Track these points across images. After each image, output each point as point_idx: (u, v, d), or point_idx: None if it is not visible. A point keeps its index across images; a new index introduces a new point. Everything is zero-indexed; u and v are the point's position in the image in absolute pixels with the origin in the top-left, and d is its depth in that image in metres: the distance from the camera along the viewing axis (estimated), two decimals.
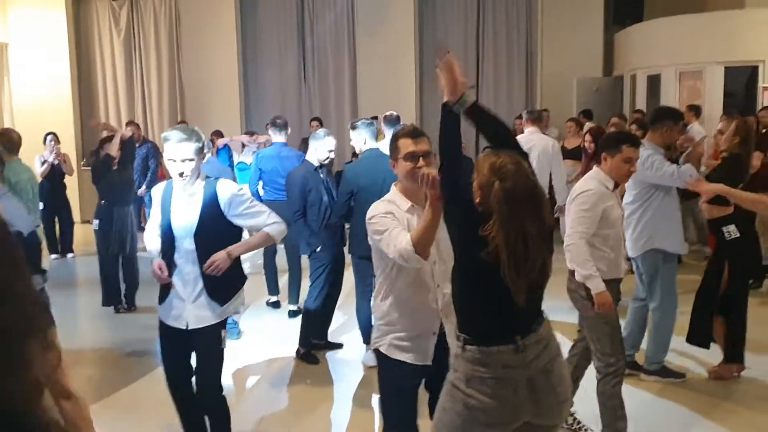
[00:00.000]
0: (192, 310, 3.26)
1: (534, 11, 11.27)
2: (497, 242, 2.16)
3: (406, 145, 2.80)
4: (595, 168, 3.69)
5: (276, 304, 6.53)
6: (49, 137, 8.79)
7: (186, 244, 3.22)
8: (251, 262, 7.66)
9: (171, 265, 3.25)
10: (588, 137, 6.35)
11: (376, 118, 9.57)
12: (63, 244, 8.98)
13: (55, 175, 8.69)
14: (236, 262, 3.33)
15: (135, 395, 4.69)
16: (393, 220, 2.67)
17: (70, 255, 8.94)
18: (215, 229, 3.21)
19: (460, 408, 2.30)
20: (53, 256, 8.84)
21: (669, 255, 4.51)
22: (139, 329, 5.97)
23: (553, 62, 11.18)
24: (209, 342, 3.31)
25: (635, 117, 8.93)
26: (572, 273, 3.58)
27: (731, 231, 4.49)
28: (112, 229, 6.28)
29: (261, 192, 6.32)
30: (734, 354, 4.61)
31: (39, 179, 8.57)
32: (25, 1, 11.07)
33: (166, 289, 3.29)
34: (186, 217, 3.21)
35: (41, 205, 8.61)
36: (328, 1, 11.45)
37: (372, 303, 3.09)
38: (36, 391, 0.99)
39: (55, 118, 10.83)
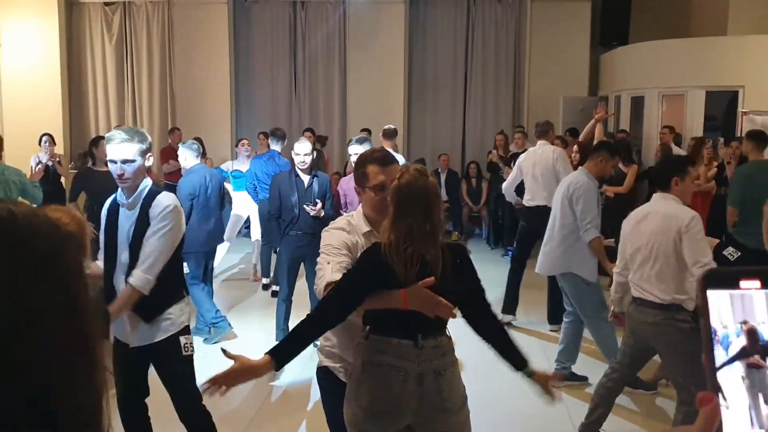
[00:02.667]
0: (129, 326, 3.14)
1: (522, 30, 11.49)
2: (390, 237, 2.35)
3: (375, 173, 2.63)
4: (669, 195, 3.66)
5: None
6: (45, 138, 8.84)
7: (122, 258, 3.12)
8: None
9: (112, 277, 3.14)
10: (576, 148, 6.65)
11: (369, 131, 9.74)
12: None
13: (49, 176, 8.72)
14: (169, 277, 3.15)
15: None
16: (338, 255, 2.51)
17: None
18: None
19: (352, 397, 2.44)
20: None
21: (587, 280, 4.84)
22: None
23: (539, 81, 11.38)
24: (167, 355, 3.18)
25: (619, 137, 9.18)
26: (673, 306, 3.56)
27: (732, 252, 4.69)
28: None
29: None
30: None
31: (30, 177, 8.62)
32: (17, 4, 11.10)
33: (110, 300, 3.12)
34: (124, 228, 3.12)
35: (35, 207, 8.66)
36: (320, 16, 11.59)
37: None
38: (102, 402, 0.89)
39: (46, 120, 10.83)
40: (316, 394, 4.86)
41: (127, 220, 3.12)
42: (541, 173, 6.43)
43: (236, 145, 8.58)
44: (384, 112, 10.85)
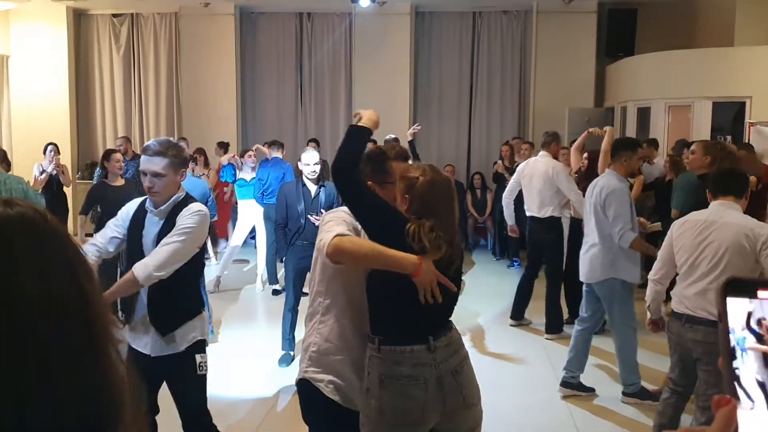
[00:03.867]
0: (147, 336, 3.09)
1: (528, 41, 11.51)
2: (417, 232, 2.31)
3: (396, 167, 2.63)
4: (731, 203, 3.52)
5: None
6: (50, 147, 8.87)
7: None
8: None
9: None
10: (586, 155, 6.76)
11: (374, 141, 9.74)
12: None
13: (53, 185, 8.75)
14: (190, 288, 3.15)
15: None
16: (343, 226, 2.44)
17: None
18: None
19: (375, 414, 2.39)
20: None
21: (626, 282, 4.73)
22: None
23: (545, 92, 11.38)
24: (181, 370, 3.12)
25: None
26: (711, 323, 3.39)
27: None
28: None
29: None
30: None
31: (33, 186, 8.65)
32: (27, 15, 11.19)
33: (129, 311, 3.11)
34: (151, 236, 3.06)
35: None
36: (326, 27, 11.64)
37: None
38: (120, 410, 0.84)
39: (53, 130, 10.90)
40: None
41: (154, 227, 3.08)
42: (536, 186, 6.46)
43: (242, 156, 8.59)
44: (389, 123, 10.83)
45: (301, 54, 11.73)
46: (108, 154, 6.59)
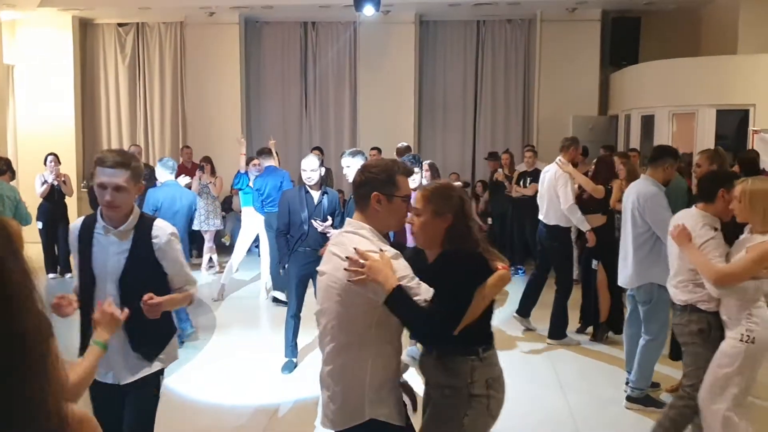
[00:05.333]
0: (121, 363, 2.89)
1: (532, 50, 11.54)
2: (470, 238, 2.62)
3: (406, 184, 2.60)
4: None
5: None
6: (50, 158, 8.90)
7: (108, 289, 2.84)
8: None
9: (90, 312, 2.73)
10: (594, 161, 6.87)
11: (379, 149, 9.77)
12: (61, 264, 9.04)
13: (54, 195, 8.78)
14: (166, 312, 3.00)
15: None
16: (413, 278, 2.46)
17: (68, 275, 9.00)
18: (143, 273, 2.85)
19: (483, 416, 2.61)
20: (51, 275, 8.90)
21: (664, 288, 4.65)
22: None
23: (549, 100, 11.40)
24: (145, 390, 2.96)
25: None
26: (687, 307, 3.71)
27: None
28: None
29: None
30: None
31: (39, 195, 8.73)
32: (33, 24, 11.27)
33: (85, 340, 2.83)
34: (111, 258, 2.86)
35: (40, 225, 8.73)
36: (331, 36, 11.69)
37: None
38: (61, 392, 0.95)
39: (58, 139, 10.96)
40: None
41: (113, 248, 2.86)
42: (546, 192, 6.54)
43: (247, 164, 8.61)
44: (394, 131, 10.90)
45: (305, 63, 11.77)
46: None
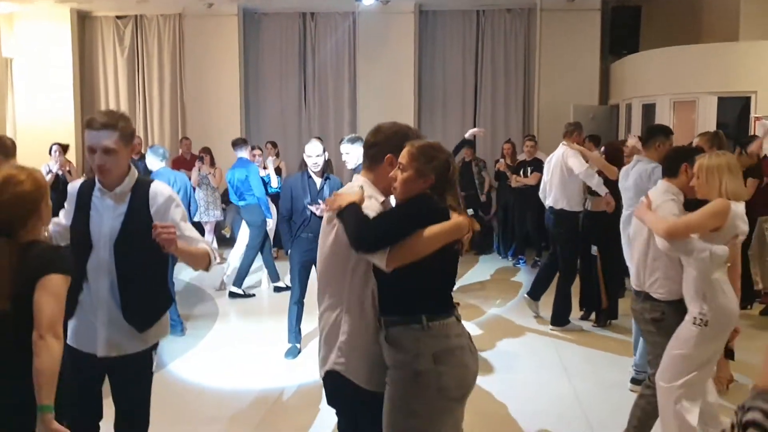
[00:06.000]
0: (105, 334, 2.74)
1: (532, 39, 11.50)
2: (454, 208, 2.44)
3: None
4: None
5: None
6: (55, 147, 8.89)
7: (102, 254, 2.74)
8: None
9: (81, 277, 2.72)
10: (603, 149, 6.83)
11: None
12: None
13: (59, 184, 8.74)
14: (163, 281, 2.94)
15: None
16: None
17: None
18: (140, 239, 2.68)
19: (433, 395, 2.35)
20: None
21: None
22: None
23: (550, 90, 11.36)
24: (135, 369, 2.82)
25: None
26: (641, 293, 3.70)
27: None
28: None
29: None
30: None
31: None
32: (31, 17, 11.22)
33: (72, 304, 2.66)
34: (107, 222, 2.76)
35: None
36: (330, 27, 11.64)
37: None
38: None
39: (57, 132, 10.89)
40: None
41: (109, 212, 2.77)
42: (554, 177, 6.49)
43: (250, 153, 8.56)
44: (394, 121, 10.84)
45: (304, 54, 11.73)
46: None
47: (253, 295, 7.77)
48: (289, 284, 7.54)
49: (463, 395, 2.42)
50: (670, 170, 3.69)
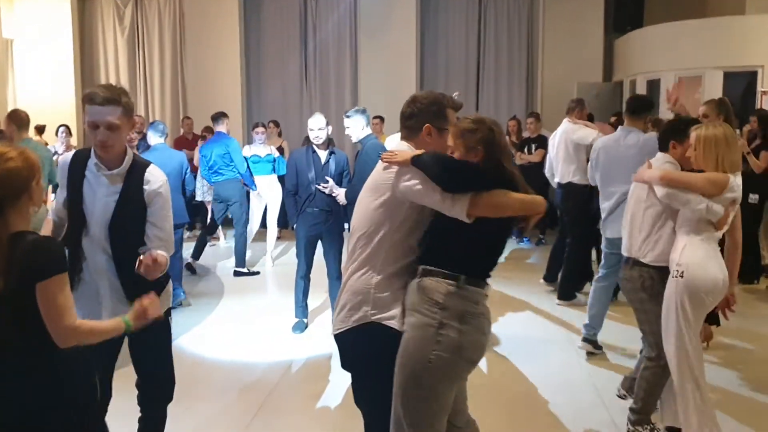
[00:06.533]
0: (110, 305, 2.76)
1: (535, 16, 11.40)
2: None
3: (454, 119, 2.69)
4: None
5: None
6: (62, 129, 8.91)
7: (94, 230, 2.72)
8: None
9: (79, 254, 2.74)
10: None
11: (381, 118, 9.69)
12: None
13: None
14: None
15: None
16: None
17: None
18: (134, 221, 2.72)
19: (451, 350, 2.36)
20: None
21: None
22: None
23: (553, 67, 11.28)
24: (155, 335, 2.78)
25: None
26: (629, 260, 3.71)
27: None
28: None
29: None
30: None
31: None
32: None
33: (72, 278, 2.64)
34: (100, 198, 2.72)
35: (52, 197, 8.69)
36: (331, 4, 11.54)
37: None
38: None
39: (58, 113, 10.84)
40: (336, 364, 4.79)
41: (103, 189, 2.73)
42: (559, 153, 6.45)
43: (252, 129, 8.51)
44: (396, 99, 10.52)
45: (305, 32, 11.63)
46: None
47: (258, 272, 7.74)
48: (253, 270, 7.70)
49: (475, 360, 2.46)
50: (661, 145, 3.76)
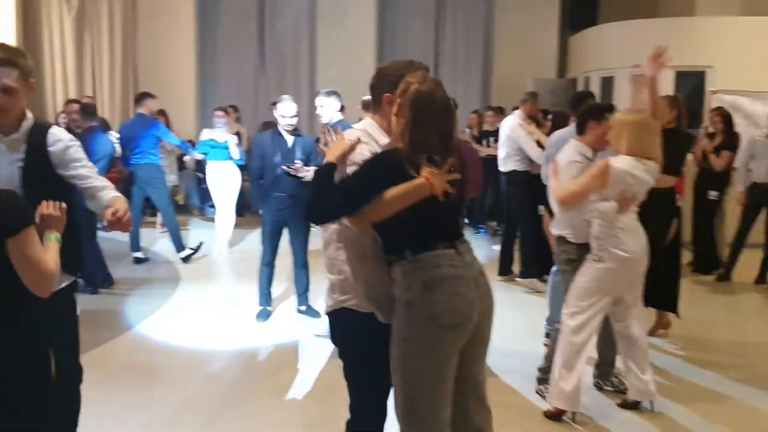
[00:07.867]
0: None
1: (492, 12, 11.51)
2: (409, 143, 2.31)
3: None
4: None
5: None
6: None
7: None
8: None
9: None
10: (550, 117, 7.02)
11: (342, 107, 9.56)
12: None
13: None
14: (72, 233, 2.56)
15: (101, 359, 4.52)
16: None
17: None
18: (43, 189, 2.46)
19: (423, 323, 2.30)
20: None
21: None
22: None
23: (508, 63, 11.40)
24: (60, 308, 2.62)
25: None
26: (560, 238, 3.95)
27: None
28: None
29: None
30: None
31: None
32: None
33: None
34: (5, 169, 2.52)
35: None
36: None
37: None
38: None
39: None
40: (303, 352, 4.74)
41: (4, 158, 2.53)
42: (504, 140, 6.70)
43: (213, 113, 8.29)
44: (354, 89, 10.52)
45: (263, 17, 11.44)
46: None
47: (201, 243, 7.62)
48: (193, 247, 7.52)
49: (456, 323, 2.32)
50: (579, 128, 3.94)
